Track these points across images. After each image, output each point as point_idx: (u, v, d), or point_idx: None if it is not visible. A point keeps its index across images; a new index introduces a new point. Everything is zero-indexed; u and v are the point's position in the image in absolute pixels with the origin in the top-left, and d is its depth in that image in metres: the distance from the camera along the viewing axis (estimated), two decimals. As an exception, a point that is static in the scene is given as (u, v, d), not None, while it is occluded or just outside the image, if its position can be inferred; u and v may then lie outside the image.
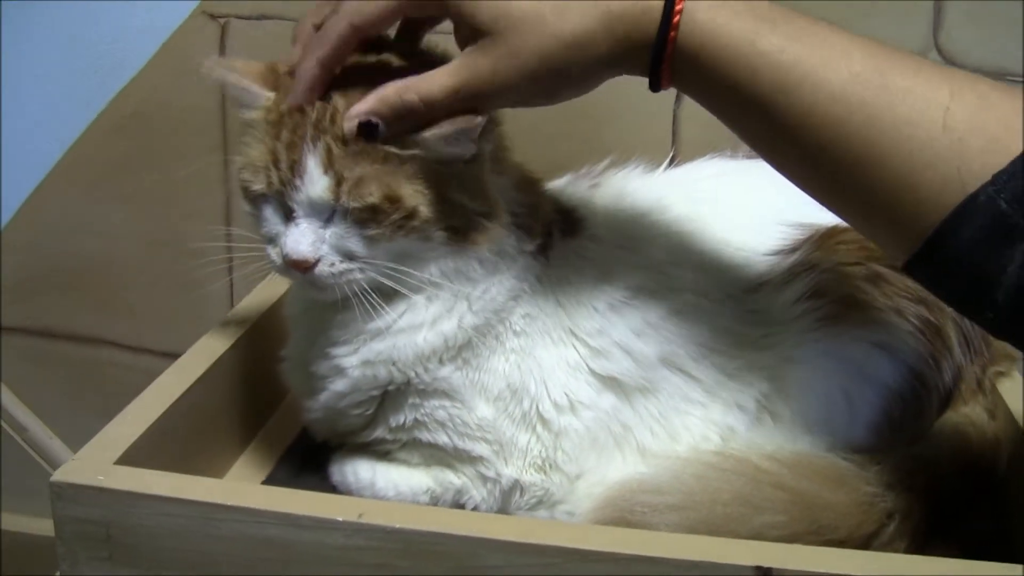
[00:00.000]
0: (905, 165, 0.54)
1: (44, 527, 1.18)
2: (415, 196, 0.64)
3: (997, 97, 0.54)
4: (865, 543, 0.66)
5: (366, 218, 0.65)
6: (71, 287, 1.17)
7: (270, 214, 0.68)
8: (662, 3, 0.58)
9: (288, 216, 0.67)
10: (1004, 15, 0.92)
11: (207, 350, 0.78)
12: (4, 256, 1.16)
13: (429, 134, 0.62)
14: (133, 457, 0.64)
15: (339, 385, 0.70)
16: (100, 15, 1.07)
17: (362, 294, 0.67)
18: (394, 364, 0.69)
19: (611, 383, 0.72)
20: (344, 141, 0.64)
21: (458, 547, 0.57)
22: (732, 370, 0.72)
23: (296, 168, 0.64)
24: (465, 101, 0.61)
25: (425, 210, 0.65)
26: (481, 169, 0.67)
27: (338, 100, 0.65)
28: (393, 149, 0.63)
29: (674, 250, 0.74)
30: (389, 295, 0.68)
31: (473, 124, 0.62)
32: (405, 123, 0.62)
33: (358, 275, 0.67)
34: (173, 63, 1.08)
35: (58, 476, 0.61)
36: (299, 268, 0.66)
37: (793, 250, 0.74)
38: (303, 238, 0.66)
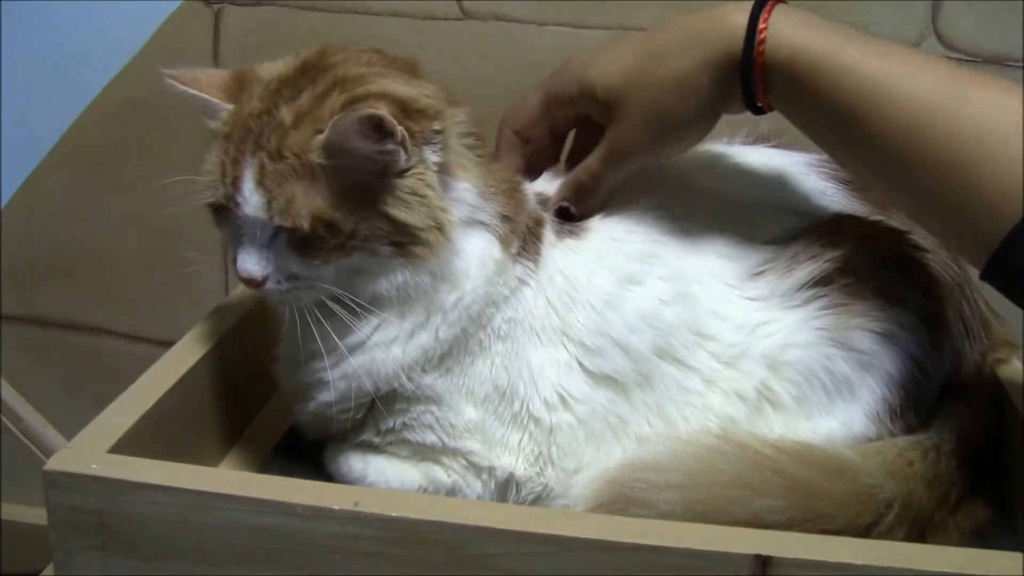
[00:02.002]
0: (986, 166, 0.58)
1: (40, 516, 1.18)
2: (348, 218, 0.64)
3: None
4: (863, 532, 0.65)
5: (303, 243, 0.64)
6: (67, 275, 1.18)
7: (226, 226, 0.68)
8: (746, 22, 0.63)
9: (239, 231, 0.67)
10: (1003, 1, 0.92)
11: (201, 339, 0.78)
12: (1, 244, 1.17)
13: (330, 127, 0.61)
14: (126, 446, 0.63)
15: (324, 396, 0.70)
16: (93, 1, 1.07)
17: (309, 312, 0.67)
18: (375, 377, 0.69)
19: (605, 380, 0.71)
20: (276, 158, 0.63)
21: (454, 535, 0.57)
22: (730, 358, 0.72)
23: (236, 183, 0.64)
24: (616, 165, 0.71)
25: (363, 228, 0.64)
26: (421, 182, 0.65)
27: (284, 114, 0.64)
28: (321, 161, 0.62)
29: (671, 239, 0.74)
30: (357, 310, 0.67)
31: (362, 115, 0.61)
32: (584, 197, 0.73)
33: (303, 294, 0.67)
34: (167, 50, 1.07)
35: (51, 465, 0.61)
36: (250, 285, 0.67)
37: (795, 238, 0.73)
38: (249, 256, 0.66)
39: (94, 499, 0.60)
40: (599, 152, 0.71)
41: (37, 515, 1.18)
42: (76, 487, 0.60)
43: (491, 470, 0.71)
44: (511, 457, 0.71)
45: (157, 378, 0.71)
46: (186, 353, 0.75)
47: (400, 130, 0.62)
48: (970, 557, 0.56)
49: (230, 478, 0.63)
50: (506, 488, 0.71)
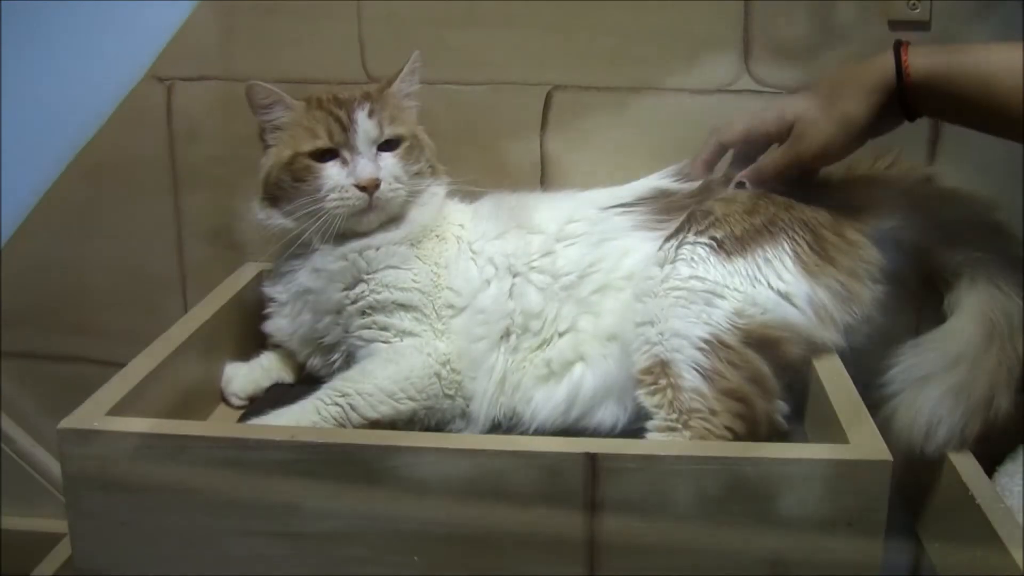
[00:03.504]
0: None
1: (35, 524, 1.34)
2: (422, 134, 1.05)
3: None
4: None
5: (405, 154, 1.00)
6: (49, 314, 1.33)
7: (330, 167, 0.98)
8: (892, 58, 0.90)
9: (345, 162, 0.97)
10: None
11: (180, 330, 0.98)
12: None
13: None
14: (120, 411, 0.83)
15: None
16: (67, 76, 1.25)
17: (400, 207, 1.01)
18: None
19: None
20: (379, 101, 1.01)
21: (369, 454, 0.77)
22: None
23: (351, 117, 0.98)
24: (790, 166, 0.96)
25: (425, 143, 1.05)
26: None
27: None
28: (405, 103, 1.05)
29: None
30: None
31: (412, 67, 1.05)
32: (762, 180, 0.99)
33: (403, 193, 1.00)
34: (129, 118, 1.25)
35: (64, 424, 0.80)
36: (368, 189, 0.96)
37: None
38: (369, 164, 0.97)
39: (97, 448, 0.78)
40: (783, 153, 0.97)
41: (32, 524, 1.34)
42: (83, 440, 0.79)
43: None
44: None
45: (140, 363, 0.91)
46: (167, 341, 0.95)
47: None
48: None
49: (198, 424, 0.80)
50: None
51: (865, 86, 0.90)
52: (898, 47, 0.90)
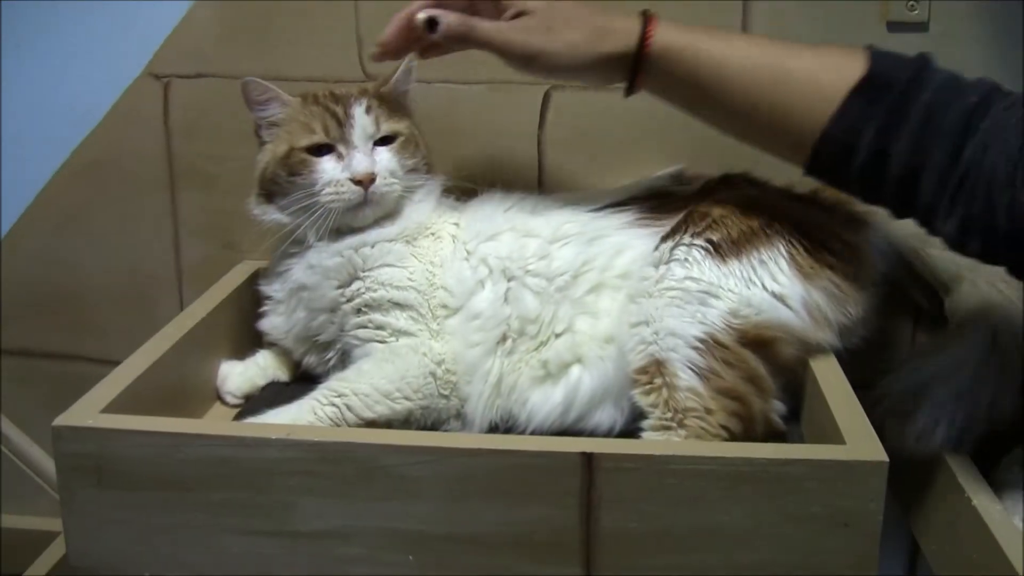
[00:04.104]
0: (796, 102, 0.83)
1: (32, 523, 1.34)
2: (418, 131, 1.04)
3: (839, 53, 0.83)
4: None
5: (400, 149, 1.00)
6: (45, 312, 1.33)
7: (325, 161, 0.97)
8: (639, 27, 0.87)
9: (340, 156, 0.97)
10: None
11: (176, 328, 0.98)
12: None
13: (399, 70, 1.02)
14: (115, 408, 0.82)
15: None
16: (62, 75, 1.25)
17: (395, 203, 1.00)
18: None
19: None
20: (376, 97, 1.01)
21: (365, 453, 0.76)
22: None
23: (348, 113, 0.98)
24: (493, 47, 0.90)
25: (420, 141, 1.04)
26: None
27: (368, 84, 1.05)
28: (401, 101, 1.03)
29: None
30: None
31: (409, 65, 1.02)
32: (455, 37, 0.90)
33: (398, 189, 0.99)
34: (124, 117, 1.25)
35: (59, 421, 0.79)
36: (363, 184, 0.96)
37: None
38: (365, 158, 0.97)
39: (91, 446, 0.78)
40: (498, 34, 0.89)
41: (28, 522, 1.34)
42: (77, 437, 0.78)
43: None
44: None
45: (135, 361, 0.90)
46: (162, 340, 0.95)
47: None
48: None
49: (194, 422, 0.80)
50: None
51: (604, 41, 0.87)
52: (646, 19, 0.87)
